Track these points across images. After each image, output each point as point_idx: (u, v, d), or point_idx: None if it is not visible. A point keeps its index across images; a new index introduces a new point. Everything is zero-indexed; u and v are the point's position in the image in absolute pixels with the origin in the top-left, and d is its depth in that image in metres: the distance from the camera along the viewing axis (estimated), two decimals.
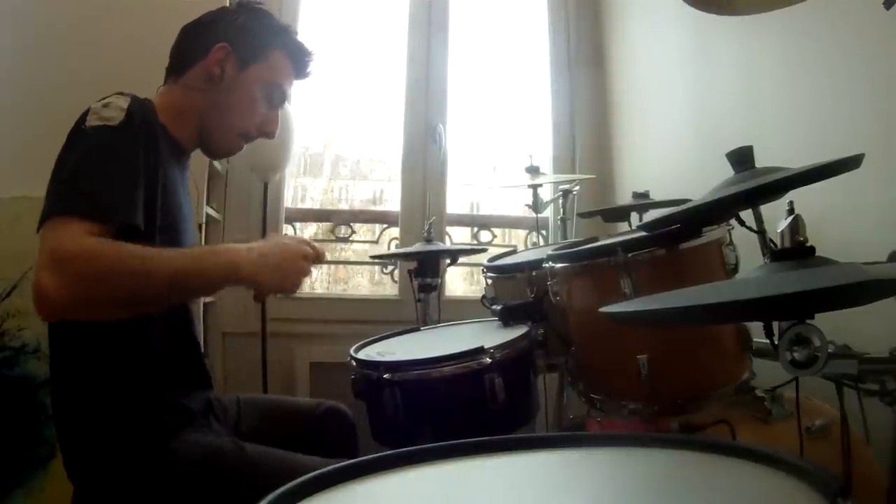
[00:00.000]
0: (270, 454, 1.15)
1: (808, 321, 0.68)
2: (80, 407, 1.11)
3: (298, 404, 1.49)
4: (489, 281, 1.67)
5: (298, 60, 1.33)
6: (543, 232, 2.72)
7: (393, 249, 2.62)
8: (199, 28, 1.27)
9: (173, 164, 1.21)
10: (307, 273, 1.10)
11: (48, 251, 0.92)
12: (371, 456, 0.74)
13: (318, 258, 1.13)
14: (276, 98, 1.31)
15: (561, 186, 2.14)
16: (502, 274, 1.64)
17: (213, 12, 1.30)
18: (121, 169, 1.03)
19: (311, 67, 1.36)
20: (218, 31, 1.24)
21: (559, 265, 1.29)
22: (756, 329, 0.91)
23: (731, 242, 1.21)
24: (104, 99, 1.10)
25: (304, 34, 2.59)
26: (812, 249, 0.75)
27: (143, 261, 0.95)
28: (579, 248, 1.35)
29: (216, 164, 2.31)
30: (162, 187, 1.13)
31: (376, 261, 2.70)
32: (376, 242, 2.73)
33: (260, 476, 1.09)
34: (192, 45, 1.26)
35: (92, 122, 1.05)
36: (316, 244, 1.14)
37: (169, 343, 1.17)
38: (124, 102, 1.08)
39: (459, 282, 2.86)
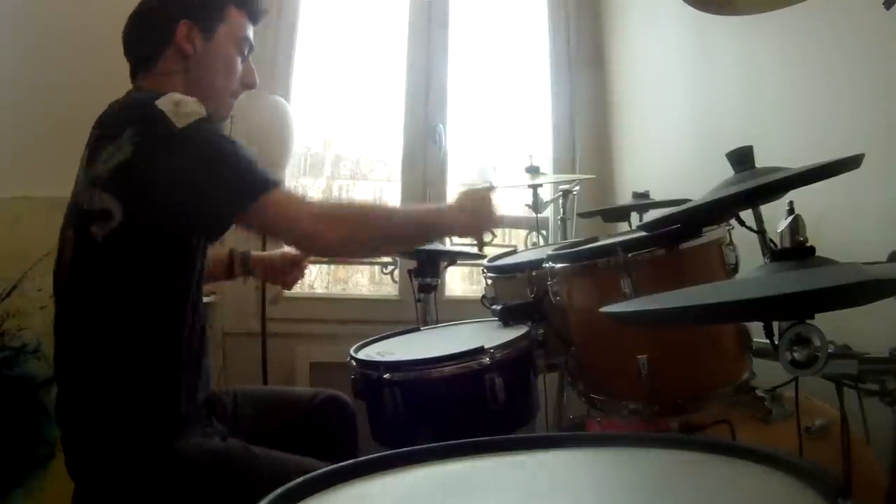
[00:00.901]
0: (275, 455, 1.14)
1: (808, 321, 0.68)
2: (85, 405, 1.11)
3: (296, 394, 1.49)
4: (489, 281, 1.67)
5: (251, 8, 1.35)
6: (543, 232, 2.71)
7: None
8: (152, 15, 1.27)
9: None
10: (496, 213, 1.34)
11: (312, 213, 1.15)
12: (371, 456, 0.74)
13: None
14: (246, 49, 1.34)
15: (561, 186, 2.14)
16: (502, 274, 1.64)
17: None
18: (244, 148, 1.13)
19: (262, 6, 1.39)
20: (172, 11, 1.24)
21: (559, 265, 1.29)
22: (756, 329, 0.91)
23: (731, 242, 1.21)
24: (160, 102, 1.09)
25: (305, 34, 2.60)
26: (812, 249, 0.75)
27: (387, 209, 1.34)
28: (579, 248, 1.35)
29: None
30: None
31: (376, 260, 2.70)
32: None
33: (263, 476, 1.09)
34: (151, 34, 1.26)
35: (181, 121, 1.07)
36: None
37: (179, 342, 1.16)
38: (190, 99, 1.12)
39: (459, 282, 2.85)
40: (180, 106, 1.08)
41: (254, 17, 1.36)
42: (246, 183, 1.10)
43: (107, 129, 1.13)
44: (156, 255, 1.10)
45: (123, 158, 1.06)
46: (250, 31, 1.35)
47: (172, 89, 1.22)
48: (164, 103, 1.08)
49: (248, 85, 1.35)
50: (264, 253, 1.68)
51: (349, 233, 1.18)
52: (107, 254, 1.10)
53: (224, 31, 1.28)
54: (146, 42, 1.26)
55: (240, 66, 1.33)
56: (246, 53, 1.34)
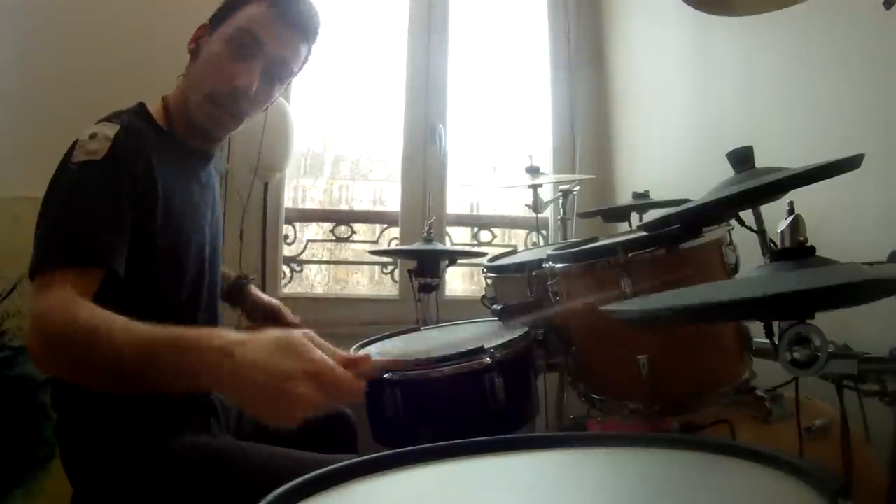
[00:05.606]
0: (270, 453, 1.14)
1: (808, 321, 0.68)
2: (81, 406, 1.11)
3: None
4: (489, 281, 1.67)
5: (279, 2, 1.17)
6: (543, 232, 2.72)
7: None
8: None
9: (183, 171, 1.19)
10: (308, 402, 0.78)
11: (35, 315, 0.93)
12: (371, 456, 0.74)
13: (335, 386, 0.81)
14: (245, 46, 1.13)
15: (561, 186, 2.13)
16: (502, 274, 1.63)
17: None
18: (102, 210, 1.01)
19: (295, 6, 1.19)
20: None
21: (559, 265, 1.29)
22: (756, 329, 0.91)
23: (731, 242, 1.21)
24: (92, 127, 1.07)
25: None
26: (812, 249, 0.75)
27: (113, 349, 0.85)
28: (579, 248, 1.35)
29: None
30: (163, 202, 1.10)
31: (376, 260, 2.70)
32: (376, 242, 2.73)
33: (259, 476, 1.09)
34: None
35: (78, 157, 1.03)
36: (326, 363, 0.82)
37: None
38: (111, 131, 1.05)
39: (459, 282, 2.85)
40: (92, 140, 1.04)
41: (284, 12, 1.17)
42: (47, 247, 0.99)
43: None
44: None
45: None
46: (264, 28, 1.15)
47: (179, 95, 1.20)
48: (85, 133, 1.06)
49: (235, 88, 1.13)
50: (264, 297, 1.54)
51: (57, 366, 0.91)
52: None
53: (225, 25, 1.16)
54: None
55: (228, 65, 1.13)
56: (244, 52, 1.14)
